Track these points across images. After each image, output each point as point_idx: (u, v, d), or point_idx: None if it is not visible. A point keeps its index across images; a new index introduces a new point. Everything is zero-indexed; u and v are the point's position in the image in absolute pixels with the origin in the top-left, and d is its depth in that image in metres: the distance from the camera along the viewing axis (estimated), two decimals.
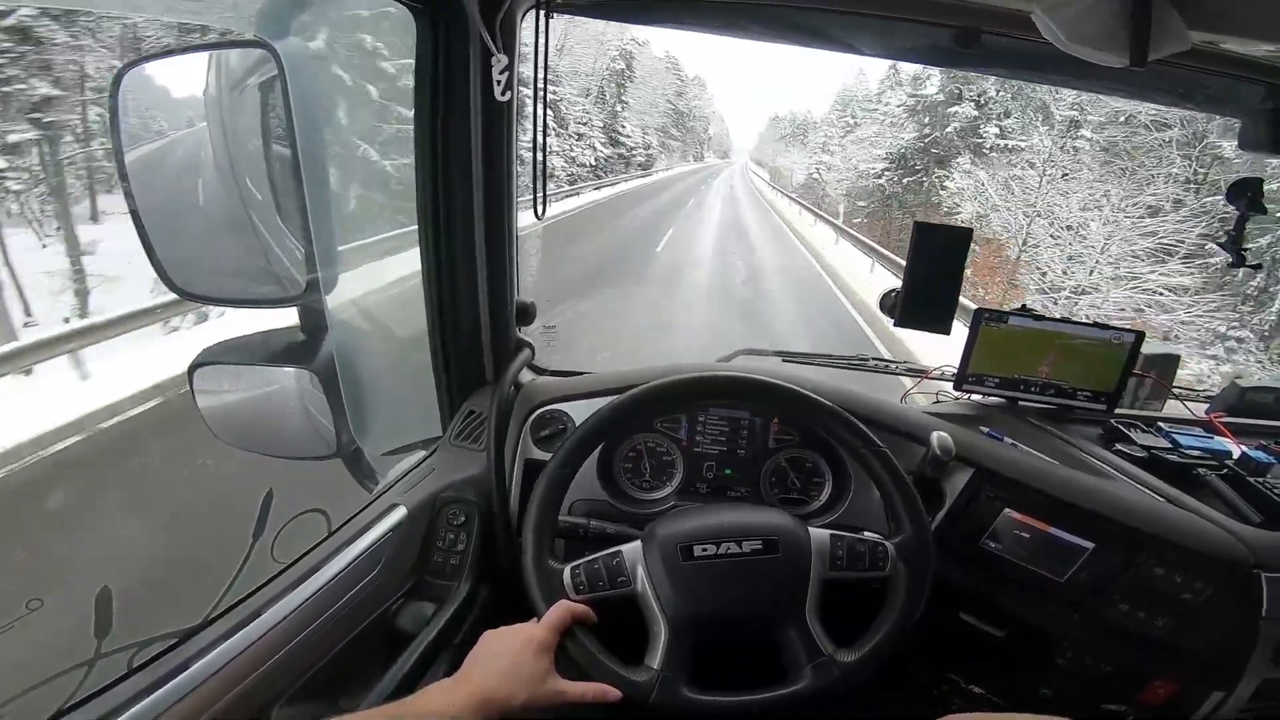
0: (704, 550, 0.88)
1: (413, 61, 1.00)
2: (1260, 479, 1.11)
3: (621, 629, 0.86)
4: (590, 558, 0.90)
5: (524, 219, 1.26)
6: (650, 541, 0.90)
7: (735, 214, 26.72)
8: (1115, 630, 1.05)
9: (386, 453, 1.25)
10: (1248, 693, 1.01)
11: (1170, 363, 1.48)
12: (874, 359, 1.57)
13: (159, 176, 0.95)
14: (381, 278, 1.31)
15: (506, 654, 0.78)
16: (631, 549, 0.91)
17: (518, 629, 0.82)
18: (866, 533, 0.99)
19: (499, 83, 0.97)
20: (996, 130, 21.57)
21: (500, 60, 0.96)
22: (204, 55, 0.95)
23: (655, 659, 0.83)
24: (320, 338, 1.06)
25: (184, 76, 0.94)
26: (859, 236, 15.31)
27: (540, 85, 1.02)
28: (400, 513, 1.06)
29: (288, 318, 1.08)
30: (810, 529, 0.93)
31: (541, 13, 0.98)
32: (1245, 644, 0.99)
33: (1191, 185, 13.83)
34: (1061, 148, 16.01)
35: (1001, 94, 21.51)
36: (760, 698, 0.82)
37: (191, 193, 0.98)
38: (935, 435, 1.09)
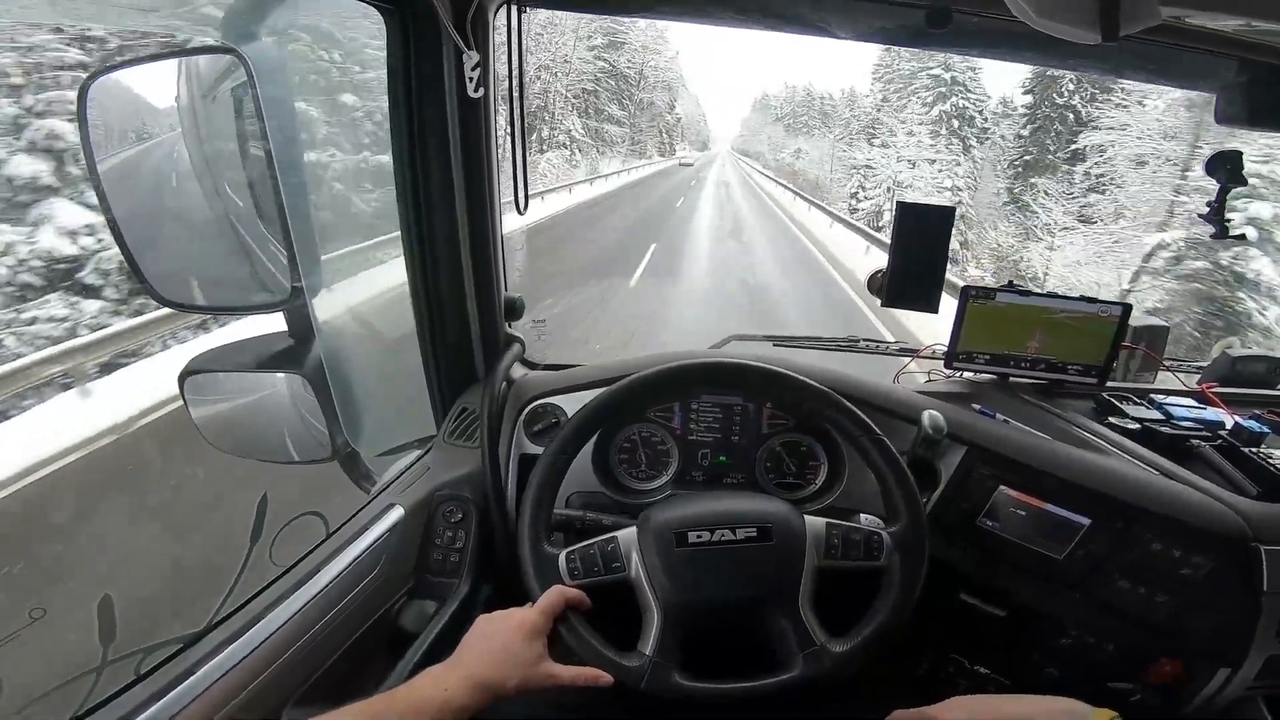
0: (698, 537, 0.88)
1: (386, 62, 1.00)
2: (1254, 449, 1.11)
3: (615, 615, 0.87)
4: (586, 543, 0.91)
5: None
6: (645, 528, 0.91)
7: None
8: (1116, 608, 1.04)
9: (382, 453, 1.26)
10: (1254, 669, 1.00)
11: (1159, 334, 1.48)
12: (865, 340, 1.56)
13: (135, 185, 0.95)
14: (369, 281, 1.31)
15: (499, 637, 0.78)
16: (626, 535, 0.91)
17: (511, 613, 0.82)
18: (863, 517, 0.99)
19: (471, 80, 0.96)
20: None
21: (471, 57, 0.95)
22: (172, 63, 0.94)
23: (648, 645, 0.84)
24: (309, 342, 1.07)
25: (152, 84, 0.94)
26: None
27: (516, 80, 1.01)
28: (397, 513, 1.06)
29: (276, 323, 1.09)
30: (806, 517, 0.93)
31: (513, 8, 0.98)
32: (1248, 619, 0.98)
33: None
34: None
35: None
36: (750, 685, 0.83)
37: (171, 201, 0.99)
38: (926, 414, 1.08)
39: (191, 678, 0.74)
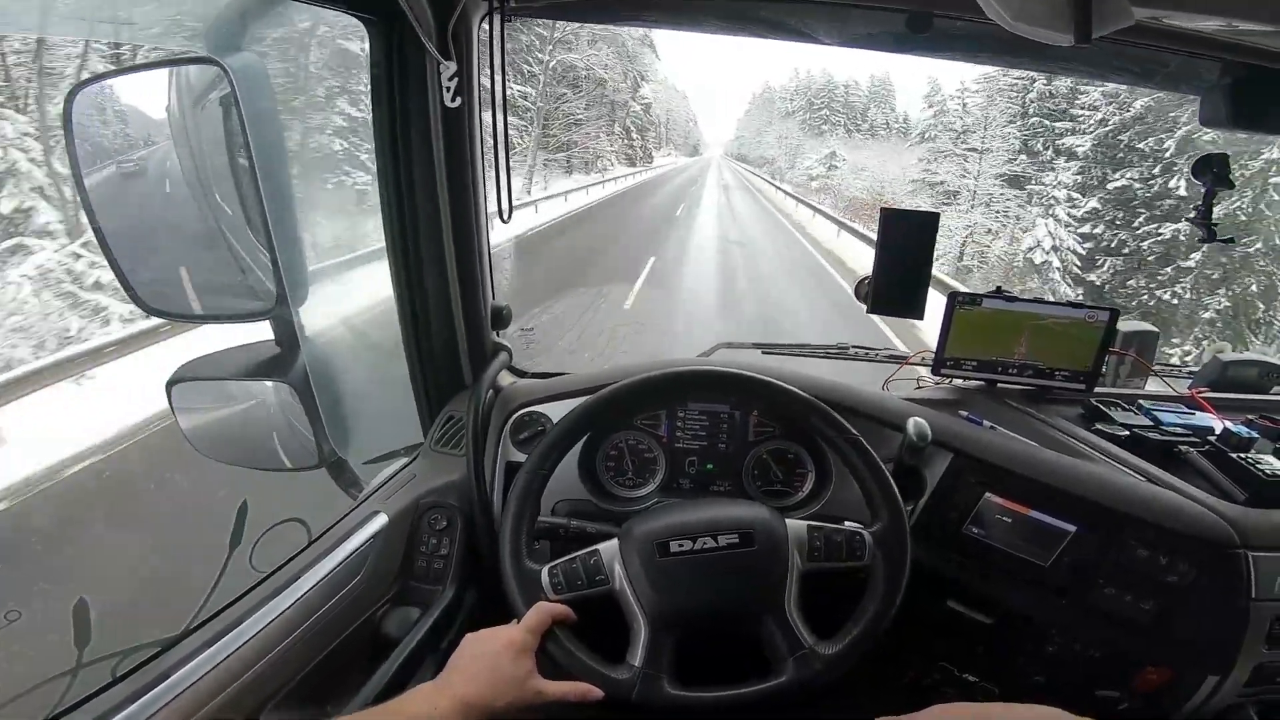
0: (680, 546, 0.88)
1: (369, 72, 1.01)
2: (1243, 454, 1.10)
3: (602, 627, 0.86)
4: (568, 557, 0.91)
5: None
6: (627, 539, 0.91)
7: None
8: (1102, 615, 1.03)
9: (368, 461, 1.26)
10: (1243, 677, 0.99)
11: (1149, 339, 1.47)
12: (854, 347, 1.56)
13: (122, 196, 0.96)
14: (355, 289, 1.32)
15: (486, 657, 0.79)
16: (609, 547, 0.91)
17: (497, 632, 0.82)
18: (847, 522, 0.99)
19: (448, 89, 0.97)
20: None
21: (448, 67, 0.96)
22: (158, 73, 0.95)
23: (636, 656, 0.84)
24: (295, 351, 1.07)
25: (138, 94, 0.95)
26: None
27: (499, 89, 1.02)
28: (381, 520, 1.07)
29: (263, 332, 1.10)
30: (788, 520, 0.93)
31: (496, 17, 0.99)
32: (1236, 627, 0.97)
33: None
34: None
35: None
36: (741, 692, 0.83)
37: (158, 211, 1.00)
38: (911, 421, 1.08)
39: (167, 680, 0.75)
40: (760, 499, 1.23)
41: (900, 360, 1.49)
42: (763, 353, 1.54)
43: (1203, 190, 1.13)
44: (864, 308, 1.25)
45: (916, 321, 1.28)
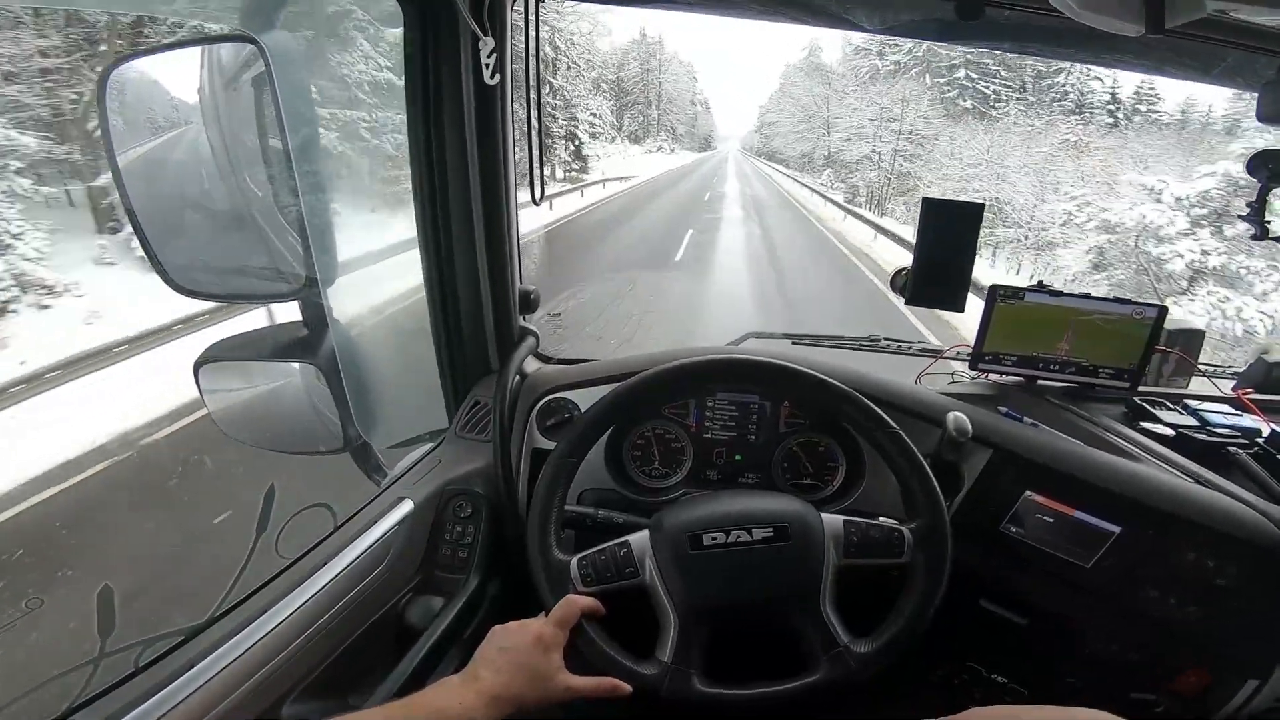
0: (713, 539, 0.86)
1: (403, 50, 0.99)
2: None
3: (632, 620, 0.85)
4: (598, 549, 0.89)
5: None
6: (658, 531, 0.89)
7: None
8: (1143, 618, 1.01)
9: (393, 445, 1.25)
10: None
11: (1195, 338, 1.43)
12: (886, 339, 1.53)
13: (155, 176, 0.95)
14: (384, 270, 1.31)
15: (515, 651, 0.77)
16: (639, 539, 0.89)
17: (526, 625, 0.81)
18: (882, 518, 0.96)
19: (487, 66, 0.96)
20: None
21: (487, 43, 0.95)
22: (192, 51, 0.94)
23: (665, 651, 0.82)
24: (323, 332, 1.06)
25: (172, 74, 0.94)
26: None
27: (533, 69, 1.00)
28: (407, 506, 1.06)
29: (291, 312, 1.09)
30: (823, 515, 0.91)
31: None
32: (1279, 630, 0.95)
33: None
34: None
35: None
36: (773, 690, 0.81)
37: (189, 191, 0.99)
38: (951, 416, 1.05)
39: (191, 670, 0.74)
40: (790, 492, 1.21)
41: (935, 354, 1.45)
42: (793, 343, 1.51)
43: (1258, 187, 1.09)
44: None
45: (949, 315, 1.25)
